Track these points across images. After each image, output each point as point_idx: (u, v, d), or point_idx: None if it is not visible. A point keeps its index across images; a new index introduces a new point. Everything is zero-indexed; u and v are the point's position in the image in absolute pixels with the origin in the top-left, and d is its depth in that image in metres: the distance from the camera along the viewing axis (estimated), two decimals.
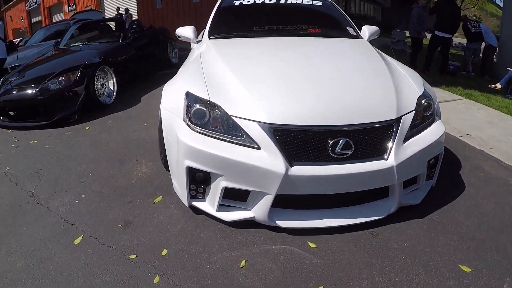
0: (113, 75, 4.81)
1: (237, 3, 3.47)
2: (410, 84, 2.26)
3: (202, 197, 2.07)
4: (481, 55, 8.39)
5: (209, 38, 3.00)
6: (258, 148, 1.84)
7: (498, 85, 6.39)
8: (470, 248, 1.88)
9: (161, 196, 2.41)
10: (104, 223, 2.15)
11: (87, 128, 3.93)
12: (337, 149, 1.82)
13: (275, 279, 1.68)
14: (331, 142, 1.82)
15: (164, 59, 6.94)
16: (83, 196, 2.47)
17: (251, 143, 1.85)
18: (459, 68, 7.87)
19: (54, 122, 4.04)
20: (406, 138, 1.96)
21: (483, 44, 8.21)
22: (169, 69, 6.97)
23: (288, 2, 3.49)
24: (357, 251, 1.84)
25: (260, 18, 3.38)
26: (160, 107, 2.28)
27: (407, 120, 1.98)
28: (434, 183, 2.35)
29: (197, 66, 2.44)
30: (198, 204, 2.09)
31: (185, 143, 1.93)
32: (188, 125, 1.99)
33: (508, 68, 6.52)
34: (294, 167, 1.80)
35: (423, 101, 2.15)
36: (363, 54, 2.72)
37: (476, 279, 1.69)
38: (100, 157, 3.12)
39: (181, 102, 2.07)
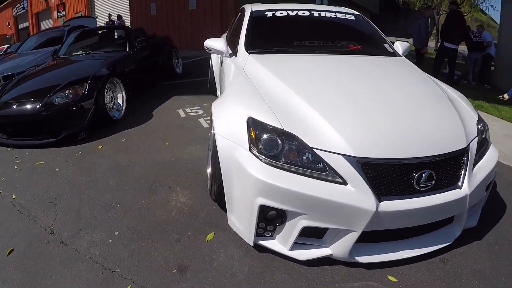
0: (122, 87, 4.46)
1: (269, 14, 3.21)
2: (467, 109, 2.25)
3: (271, 235, 1.84)
4: None
5: (249, 53, 2.73)
6: (344, 183, 1.65)
7: (506, 96, 6.37)
8: None
9: (213, 232, 2.10)
10: (154, 269, 1.82)
11: (100, 147, 3.56)
12: (422, 181, 1.74)
13: None
14: (416, 175, 1.73)
15: (169, 69, 6.62)
16: (116, 233, 2.12)
17: (334, 178, 1.66)
18: (459, 77, 7.94)
19: (60, 140, 3.66)
20: (474, 165, 1.95)
21: None
22: (174, 80, 6.67)
23: (322, 15, 3.29)
24: (434, 280, 1.80)
25: (297, 32, 3.14)
26: (215, 133, 2.01)
27: (473, 147, 1.96)
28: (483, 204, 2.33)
29: (248, 85, 2.21)
30: (265, 243, 1.85)
31: (258, 178, 1.67)
32: (256, 156, 1.72)
33: None
34: (382, 203, 1.68)
35: (479, 126, 2.14)
36: (414, 75, 2.64)
37: None
38: (124, 183, 2.77)
39: (243, 129, 1.82)
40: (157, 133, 3.94)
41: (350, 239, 1.73)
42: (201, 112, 4.73)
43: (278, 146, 1.72)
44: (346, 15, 3.38)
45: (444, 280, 1.79)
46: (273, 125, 1.77)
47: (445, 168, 1.82)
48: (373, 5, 26.65)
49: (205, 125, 4.18)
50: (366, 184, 1.65)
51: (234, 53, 2.93)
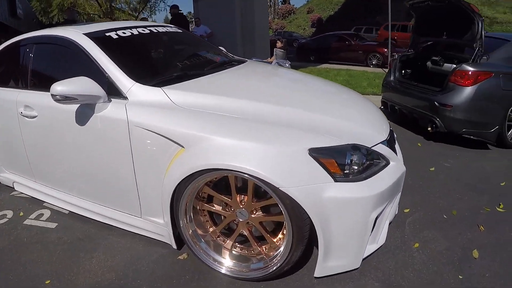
0: None
1: (113, 35, 2.39)
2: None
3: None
4: None
5: (157, 86, 2.02)
6: (388, 162, 1.90)
7: None
8: None
9: None
10: None
11: None
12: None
13: None
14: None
15: None
16: None
17: (387, 162, 1.91)
18: None
19: None
20: None
21: None
22: None
23: (159, 31, 2.81)
24: None
25: (165, 53, 2.83)
26: (285, 192, 1.64)
27: None
28: None
29: (218, 121, 1.82)
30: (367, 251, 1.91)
31: (370, 195, 1.72)
32: (347, 180, 1.70)
33: None
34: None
35: None
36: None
37: None
38: None
39: (312, 165, 1.66)
40: None
41: (390, 217, 1.96)
42: None
43: (355, 160, 1.74)
44: (172, 29, 3.04)
45: None
46: (335, 144, 1.71)
47: None
48: None
49: None
50: (393, 154, 1.94)
51: (117, 93, 2.03)
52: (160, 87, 2.02)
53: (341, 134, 1.78)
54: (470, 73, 3.64)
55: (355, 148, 1.74)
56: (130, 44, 2.48)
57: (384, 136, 2.00)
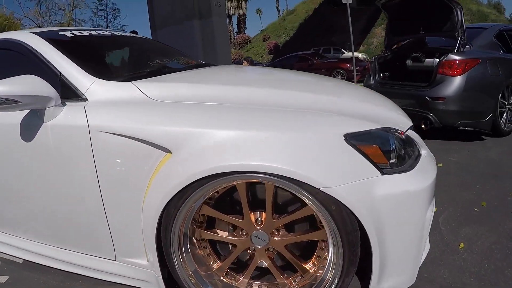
0: None
1: (67, 34, 1.94)
2: None
3: None
4: None
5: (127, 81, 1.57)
6: None
7: None
8: None
9: None
10: None
11: None
12: None
13: None
14: None
15: None
16: None
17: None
18: None
19: None
20: None
21: None
22: None
23: (121, 35, 2.50)
24: None
25: (133, 52, 2.44)
26: (327, 192, 1.21)
27: None
28: None
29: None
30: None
31: (423, 187, 1.34)
32: (397, 172, 1.31)
33: None
34: None
35: None
36: None
37: None
38: None
39: (352, 155, 1.25)
40: None
41: None
42: None
43: (399, 146, 1.35)
44: (137, 36, 2.81)
45: None
46: (375, 127, 1.33)
47: None
48: None
49: None
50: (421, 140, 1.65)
51: (74, 95, 1.52)
52: (129, 81, 1.54)
53: (373, 118, 1.41)
54: (457, 62, 3.51)
55: (395, 132, 1.39)
56: (89, 43, 2.02)
57: (410, 120, 1.68)
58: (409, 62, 4.42)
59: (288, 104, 1.41)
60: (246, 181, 1.28)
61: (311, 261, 1.42)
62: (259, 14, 47.71)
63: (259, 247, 1.40)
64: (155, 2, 10.31)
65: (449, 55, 3.57)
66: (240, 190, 1.33)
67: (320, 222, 1.31)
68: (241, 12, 37.46)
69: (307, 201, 1.24)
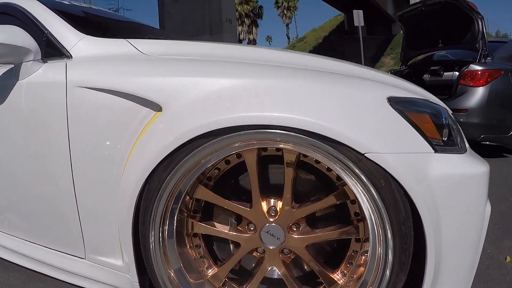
0: None
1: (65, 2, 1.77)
2: None
3: None
4: None
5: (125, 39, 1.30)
6: None
7: None
8: None
9: None
10: None
11: None
12: None
13: None
14: None
15: None
16: None
17: None
18: None
19: None
20: None
21: None
22: None
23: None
24: None
25: (131, 24, 2.24)
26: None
27: None
28: None
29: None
30: None
31: (482, 170, 1.02)
32: (450, 151, 1.01)
33: None
34: None
35: None
36: None
37: None
38: None
39: (398, 121, 0.95)
40: None
41: None
42: None
43: (450, 122, 1.07)
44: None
45: None
46: (418, 97, 1.06)
47: None
48: None
49: None
50: None
51: (57, 53, 1.26)
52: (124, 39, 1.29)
53: (416, 92, 1.16)
54: (480, 72, 3.30)
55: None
56: (86, 11, 1.86)
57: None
58: (426, 76, 4.23)
59: (314, 66, 1.15)
60: (258, 147, 0.98)
61: (340, 269, 1.07)
62: (269, 42, 48.44)
63: (271, 247, 1.05)
64: (166, 15, 10.43)
65: (471, 65, 3.37)
66: (249, 162, 1.01)
67: (356, 214, 1.00)
68: (251, 37, 38.10)
69: (344, 176, 0.92)
